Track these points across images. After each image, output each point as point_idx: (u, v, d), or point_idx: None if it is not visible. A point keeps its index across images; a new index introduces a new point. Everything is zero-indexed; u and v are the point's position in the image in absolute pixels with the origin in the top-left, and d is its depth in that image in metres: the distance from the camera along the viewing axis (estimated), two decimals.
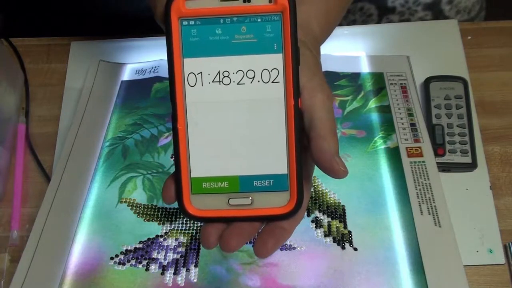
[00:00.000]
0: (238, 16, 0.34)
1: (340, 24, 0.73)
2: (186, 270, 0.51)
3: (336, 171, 0.35)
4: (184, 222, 0.54)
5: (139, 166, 0.59)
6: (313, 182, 0.56)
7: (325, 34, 0.45)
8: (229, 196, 0.35)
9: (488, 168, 0.58)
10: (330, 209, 0.54)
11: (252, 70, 0.34)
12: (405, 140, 0.58)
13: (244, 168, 0.35)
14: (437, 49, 0.67)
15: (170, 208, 0.55)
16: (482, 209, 0.55)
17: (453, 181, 0.56)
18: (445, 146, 0.57)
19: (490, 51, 0.67)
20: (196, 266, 0.51)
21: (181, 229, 0.54)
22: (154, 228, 0.54)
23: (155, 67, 0.67)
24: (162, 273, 0.51)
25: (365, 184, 0.55)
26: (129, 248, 0.53)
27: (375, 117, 0.61)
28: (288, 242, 0.52)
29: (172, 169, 0.58)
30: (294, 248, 0.52)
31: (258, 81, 0.34)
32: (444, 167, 0.57)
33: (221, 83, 0.35)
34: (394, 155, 0.57)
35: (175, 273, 0.51)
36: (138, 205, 0.56)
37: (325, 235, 0.52)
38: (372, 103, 0.62)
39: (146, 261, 0.52)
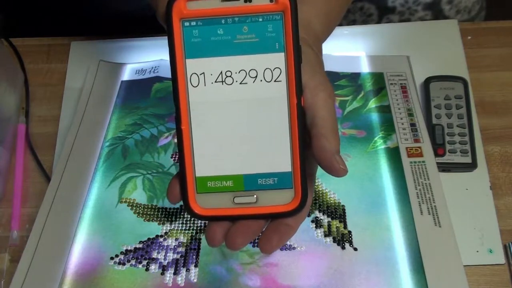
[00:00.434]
0: (239, 16, 0.34)
1: (340, 24, 0.73)
2: (186, 270, 0.51)
3: (336, 170, 0.35)
4: (184, 222, 0.54)
5: (139, 166, 0.59)
6: None
7: (326, 32, 0.45)
8: (234, 195, 0.36)
9: (488, 168, 0.58)
10: (330, 209, 0.54)
11: (255, 70, 0.34)
12: (405, 140, 0.58)
13: (248, 167, 0.36)
14: (437, 49, 0.67)
15: (170, 208, 0.55)
16: (482, 209, 0.55)
17: (453, 181, 0.56)
18: (445, 146, 0.57)
19: (490, 51, 0.67)
20: (196, 266, 0.51)
21: (181, 229, 0.54)
22: (154, 228, 0.54)
23: (155, 67, 0.67)
24: (162, 273, 0.51)
25: (365, 184, 0.55)
26: (129, 248, 0.53)
27: (375, 117, 0.61)
28: (288, 242, 0.52)
29: (172, 169, 0.58)
30: (294, 248, 0.52)
31: (261, 80, 0.34)
32: (444, 167, 0.57)
33: (223, 83, 0.35)
34: (394, 155, 0.57)
35: (175, 273, 0.51)
36: (138, 205, 0.56)
37: (325, 235, 0.52)
38: (372, 103, 0.62)
39: (146, 261, 0.52)
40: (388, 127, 0.59)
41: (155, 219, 0.55)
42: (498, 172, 0.58)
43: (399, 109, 0.61)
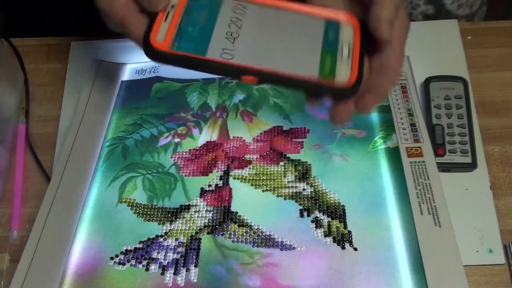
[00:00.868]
0: None
1: None
2: (186, 270, 0.51)
3: (383, 35, 0.37)
4: (184, 222, 0.54)
5: (139, 166, 0.59)
6: (313, 182, 0.56)
7: None
8: None
9: (488, 168, 0.58)
10: (330, 209, 0.54)
11: None
12: (405, 140, 0.58)
13: None
14: (437, 49, 0.67)
15: (170, 208, 0.55)
16: (482, 209, 0.55)
17: (453, 181, 0.56)
18: (445, 146, 0.58)
19: (490, 51, 0.67)
20: (196, 266, 0.51)
21: (181, 229, 0.54)
22: (154, 228, 0.54)
23: (155, 67, 0.67)
24: (162, 273, 0.51)
25: (365, 184, 0.55)
26: (129, 248, 0.53)
27: (375, 117, 0.61)
28: (288, 242, 0.52)
29: (172, 169, 0.58)
30: (294, 248, 0.52)
31: None
32: (444, 167, 0.57)
33: None
34: (394, 155, 0.57)
35: (175, 273, 0.51)
36: (138, 205, 0.56)
37: (325, 235, 0.52)
38: None
39: (146, 261, 0.52)
40: (388, 127, 0.59)
41: (155, 219, 0.55)
42: (498, 172, 0.58)
43: (399, 109, 0.61)
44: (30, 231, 0.54)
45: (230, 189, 0.56)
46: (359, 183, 0.55)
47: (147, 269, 0.51)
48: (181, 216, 0.55)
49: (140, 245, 0.53)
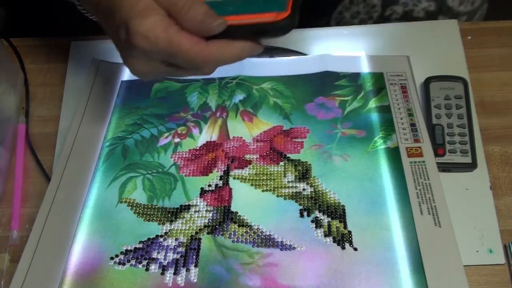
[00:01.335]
0: None
1: (343, 18, 0.73)
2: (186, 270, 0.51)
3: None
4: (184, 222, 0.54)
5: (139, 166, 0.59)
6: (313, 182, 0.56)
7: None
8: None
9: (488, 168, 0.58)
10: (330, 209, 0.54)
11: None
12: (405, 140, 0.58)
13: None
14: (437, 49, 0.67)
15: (170, 208, 0.55)
16: (482, 209, 0.55)
17: (453, 181, 0.56)
18: (445, 146, 0.58)
19: (490, 51, 0.67)
20: (196, 266, 0.51)
21: (181, 229, 0.54)
22: (154, 228, 0.54)
23: None
24: (162, 273, 0.51)
25: (365, 184, 0.55)
26: (129, 248, 0.53)
27: (375, 117, 0.61)
28: (288, 242, 0.52)
29: (172, 169, 0.58)
30: (294, 248, 0.52)
31: None
32: (444, 167, 0.57)
33: None
34: (394, 155, 0.57)
35: (175, 273, 0.51)
36: (138, 205, 0.56)
37: (325, 235, 0.52)
38: (372, 103, 0.62)
39: (146, 261, 0.52)
40: (388, 127, 0.59)
41: (155, 219, 0.55)
42: (498, 172, 0.58)
43: (399, 109, 0.61)
44: (30, 231, 0.54)
45: (230, 189, 0.56)
46: (359, 183, 0.55)
47: (147, 269, 0.51)
48: (181, 216, 0.55)
49: (140, 245, 0.53)
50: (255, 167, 0.58)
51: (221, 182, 0.57)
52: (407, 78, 0.63)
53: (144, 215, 0.55)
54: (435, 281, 0.48)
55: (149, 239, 0.53)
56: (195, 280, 0.50)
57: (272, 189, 0.56)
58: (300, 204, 0.54)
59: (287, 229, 0.53)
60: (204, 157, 0.59)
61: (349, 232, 0.52)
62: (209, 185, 0.57)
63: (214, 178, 0.57)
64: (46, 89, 0.68)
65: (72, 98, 0.66)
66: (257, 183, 0.56)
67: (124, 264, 0.52)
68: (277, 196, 0.55)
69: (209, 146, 0.60)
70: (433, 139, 0.58)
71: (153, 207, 0.56)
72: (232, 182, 0.57)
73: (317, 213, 0.54)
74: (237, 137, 0.60)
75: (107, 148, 0.61)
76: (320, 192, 0.55)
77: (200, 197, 0.56)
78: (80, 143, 0.61)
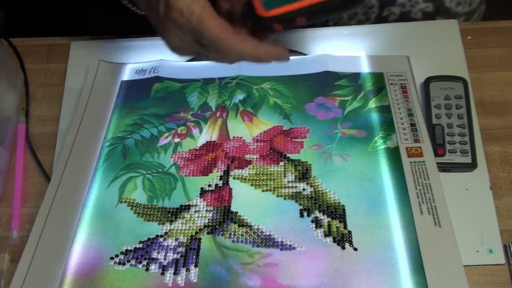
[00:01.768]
0: None
1: (341, 19, 0.73)
2: (186, 270, 0.51)
3: None
4: (184, 222, 0.54)
5: (139, 166, 0.59)
6: (313, 182, 0.56)
7: None
8: None
9: (488, 168, 0.58)
10: (330, 209, 0.54)
11: None
12: (405, 140, 0.58)
13: None
14: (437, 49, 0.67)
15: (170, 208, 0.55)
16: (482, 209, 0.55)
17: (453, 181, 0.56)
18: (445, 146, 0.58)
19: (490, 51, 0.67)
20: (196, 266, 0.51)
21: (181, 229, 0.54)
22: (154, 228, 0.54)
23: (155, 67, 0.67)
24: (162, 273, 0.51)
25: (365, 184, 0.55)
26: (129, 248, 0.53)
27: (375, 117, 0.61)
28: (288, 242, 0.52)
29: (172, 169, 0.58)
30: (294, 248, 0.52)
31: None
32: (444, 167, 0.57)
33: None
34: (394, 155, 0.57)
35: (175, 273, 0.51)
36: (138, 205, 0.56)
37: (325, 235, 0.52)
38: (372, 103, 0.62)
39: (146, 261, 0.52)
40: (388, 127, 0.59)
41: (155, 219, 0.55)
42: (498, 172, 0.58)
43: (399, 109, 0.61)
44: (30, 231, 0.54)
45: (230, 189, 0.56)
46: (359, 183, 0.55)
47: (147, 269, 0.51)
48: (181, 216, 0.55)
49: (140, 245, 0.53)
50: (255, 167, 0.58)
51: (221, 182, 0.57)
52: (407, 78, 0.63)
53: (144, 215, 0.55)
54: (435, 281, 0.48)
55: (149, 239, 0.53)
56: (195, 280, 0.50)
57: (272, 189, 0.56)
58: (300, 204, 0.54)
59: (287, 229, 0.53)
60: (204, 157, 0.59)
61: (349, 232, 0.52)
62: (209, 185, 0.57)
63: (214, 178, 0.57)
64: (46, 89, 0.68)
65: (72, 98, 0.66)
66: (257, 183, 0.57)
67: (124, 264, 0.52)
68: (277, 196, 0.55)
69: (209, 146, 0.60)
70: (433, 139, 0.58)
71: (153, 207, 0.56)
72: (232, 182, 0.57)
73: (317, 213, 0.54)
74: (237, 137, 0.60)
75: (107, 148, 0.61)
76: (320, 192, 0.55)
77: (200, 197, 0.56)
78: (80, 143, 0.61)
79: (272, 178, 0.57)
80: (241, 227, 0.53)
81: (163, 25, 0.49)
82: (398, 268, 0.49)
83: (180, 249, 0.52)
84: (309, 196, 0.55)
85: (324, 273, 0.50)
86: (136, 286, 0.50)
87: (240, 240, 0.52)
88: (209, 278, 0.50)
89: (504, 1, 0.88)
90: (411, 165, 0.56)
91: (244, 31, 0.50)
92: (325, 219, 0.53)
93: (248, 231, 0.53)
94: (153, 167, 0.59)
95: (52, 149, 0.62)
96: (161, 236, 0.53)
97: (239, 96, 0.64)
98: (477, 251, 0.52)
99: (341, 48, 0.68)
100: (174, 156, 0.59)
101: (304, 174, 0.57)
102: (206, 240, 0.53)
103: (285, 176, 0.57)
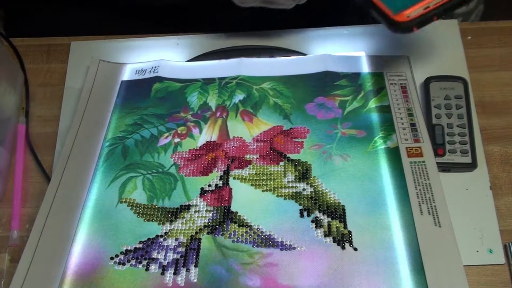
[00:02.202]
0: None
1: (340, 22, 0.73)
2: (186, 270, 0.51)
3: None
4: (184, 222, 0.54)
5: (139, 166, 0.59)
6: (313, 182, 0.56)
7: None
8: None
9: (488, 168, 0.58)
10: (330, 209, 0.54)
11: None
12: (405, 140, 0.58)
13: None
14: (437, 49, 0.67)
15: (170, 208, 0.55)
16: (482, 209, 0.55)
17: (453, 181, 0.56)
18: (445, 146, 0.58)
19: (490, 51, 0.67)
20: (196, 266, 0.51)
21: (181, 229, 0.54)
22: (154, 228, 0.54)
23: (155, 67, 0.67)
24: (162, 273, 0.51)
25: (365, 184, 0.55)
26: (129, 248, 0.53)
27: (375, 117, 0.61)
28: (288, 242, 0.52)
29: (172, 169, 0.58)
30: (294, 248, 0.52)
31: None
32: (444, 167, 0.57)
33: None
34: (394, 155, 0.57)
35: (175, 273, 0.51)
36: (138, 205, 0.56)
37: (325, 235, 0.52)
38: (372, 103, 0.62)
39: (146, 261, 0.52)
40: (388, 127, 0.59)
41: (155, 219, 0.55)
42: (498, 172, 0.58)
43: (399, 109, 0.61)
44: (30, 231, 0.54)
45: (230, 189, 0.56)
46: (359, 183, 0.55)
47: (147, 269, 0.51)
48: (181, 216, 0.55)
49: (140, 245, 0.53)
50: (255, 167, 0.58)
51: (221, 182, 0.57)
52: (407, 78, 0.63)
53: (144, 215, 0.55)
54: (435, 281, 0.48)
55: (149, 239, 0.53)
56: (195, 280, 0.50)
57: (272, 189, 0.56)
58: (300, 204, 0.54)
59: (287, 229, 0.53)
60: (204, 157, 0.59)
61: (349, 232, 0.52)
62: (209, 185, 0.57)
63: (214, 178, 0.57)
64: (46, 89, 0.68)
65: (72, 98, 0.66)
66: (257, 183, 0.57)
67: (124, 264, 0.52)
68: (277, 196, 0.55)
69: (209, 146, 0.60)
70: (433, 139, 0.58)
71: (153, 207, 0.56)
72: (232, 182, 0.57)
73: (317, 213, 0.54)
74: (237, 137, 0.61)
75: (107, 148, 0.61)
76: (320, 192, 0.55)
77: (200, 197, 0.56)
78: (80, 143, 0.61)
79: (272, 178, 0.57)
80: (241, 227, 0.53)
81: None
82: (398, 268, 0.49)
83: (180, 249, 0.52)
84: (309, 196, 0.55)
85: (324, 273, 0.50)
86: (136, 286, 0.50)
87: (240, 240, 0.53)
88: (209, 278, 0.50)
89: (504, 1, 0.88)
90: (411, 165, 0.56)
91: None
92: (325, 219, 0.53)
93: (248, 231, 0.53)
94: (153, 167, 0.59)
95: (52, 149, 0.62)
96: (161, 236, 0.54)
97: (239, 96, 0.64)
98: (477, 251, 0.52)
99: (341, 48, 0.68)
100: (174, 156, 0.59)
101: (304, 174, 0.57)
102: (206, 240, 0.53)
103: (285, 176, 0.57)
